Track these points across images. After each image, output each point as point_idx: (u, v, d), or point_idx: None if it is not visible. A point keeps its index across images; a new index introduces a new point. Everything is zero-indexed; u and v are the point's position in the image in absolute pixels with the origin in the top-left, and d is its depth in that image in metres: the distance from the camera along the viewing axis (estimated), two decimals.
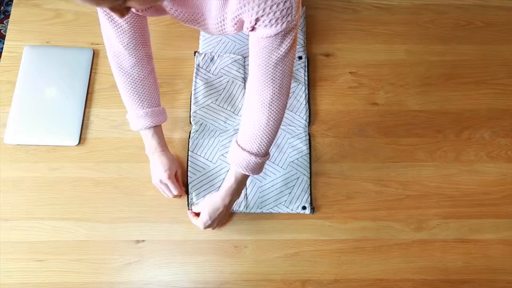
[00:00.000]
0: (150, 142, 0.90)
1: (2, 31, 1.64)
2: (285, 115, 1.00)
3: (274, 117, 0.76)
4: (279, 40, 0.67)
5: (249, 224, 0.93)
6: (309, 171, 0.97)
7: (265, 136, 0.78)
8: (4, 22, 1.66)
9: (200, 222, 0.88)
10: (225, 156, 0.97)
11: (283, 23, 0.64)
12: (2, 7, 1.68)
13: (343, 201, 0.95)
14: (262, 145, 0.78)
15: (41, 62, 1.02)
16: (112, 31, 0.79)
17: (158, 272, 0.90)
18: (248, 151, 0.79)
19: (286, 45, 0.68)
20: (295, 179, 0.96)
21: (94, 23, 1.09)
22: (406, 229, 0.94)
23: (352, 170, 0.98)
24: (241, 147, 0.79)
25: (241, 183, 0.84)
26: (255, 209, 0.94)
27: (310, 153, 0.98)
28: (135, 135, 0.99)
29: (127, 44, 0.80)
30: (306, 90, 1.03)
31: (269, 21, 0.64)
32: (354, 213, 0.95)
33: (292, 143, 0.99)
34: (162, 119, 0.90)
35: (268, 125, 0.77)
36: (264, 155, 0.80)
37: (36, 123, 0.97)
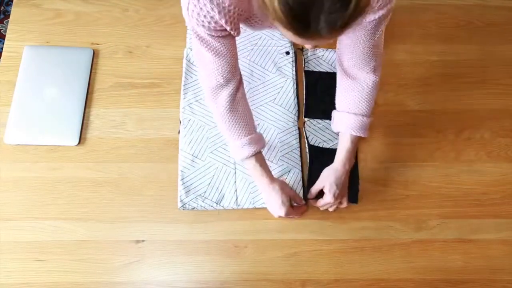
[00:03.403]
0: (253, 169, 0.87)
1: (2, 31, 1.64)
2: (275, 110, 1.01)
3: (378, 79, 0.86)
4: (381, 22, 0.77)
5: (249, 224, 0.93)
6: (300, 164, 0.97)
7: (372, 97, 0.86)
8: (4, 22, 1.66)
9: (328, 196, 0.87)
10: (214, 153, 0.97)
11: (385, 8, 0.73)
12: (2, 7, 1.68)
13: None
14: (370, 106, 0.87)
15: (41, 62, 1.02)
16: (212, 64, 0.78)
17: (158, 272, 0.90)
18: (360, 114, 0.86)
19: (386, 23, 0.78)
20: (286, 172, 0.96)
21: (94, 23, 1.09)
22: (406, 229, 0.94)
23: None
24: (351, 112, 0.87)
25: (355, 146, 0.89)
26: (247, 204, 0.93)
27: (300, 146, 0.98)
28: (135, 135, 0.99)
29: (227, 73, 0.79)
30: (294, 85, 1.03)
31: (372, 10, 0.72)
32: (354, 213, 0.95)
33: (282, 138, 0.99)
34: (262, 145, 0.87)
35: (374, 87, 0.85)
36: (371, 115, 0.88)
37: (36, 123, 0.97)
